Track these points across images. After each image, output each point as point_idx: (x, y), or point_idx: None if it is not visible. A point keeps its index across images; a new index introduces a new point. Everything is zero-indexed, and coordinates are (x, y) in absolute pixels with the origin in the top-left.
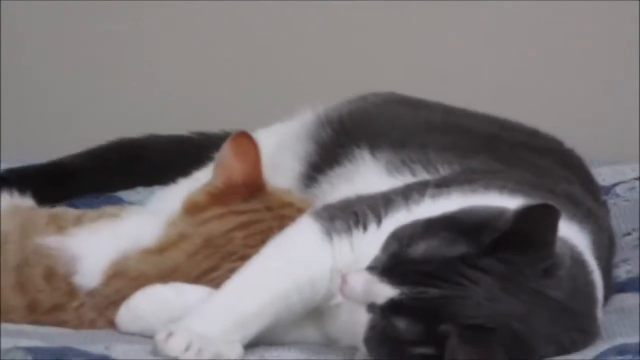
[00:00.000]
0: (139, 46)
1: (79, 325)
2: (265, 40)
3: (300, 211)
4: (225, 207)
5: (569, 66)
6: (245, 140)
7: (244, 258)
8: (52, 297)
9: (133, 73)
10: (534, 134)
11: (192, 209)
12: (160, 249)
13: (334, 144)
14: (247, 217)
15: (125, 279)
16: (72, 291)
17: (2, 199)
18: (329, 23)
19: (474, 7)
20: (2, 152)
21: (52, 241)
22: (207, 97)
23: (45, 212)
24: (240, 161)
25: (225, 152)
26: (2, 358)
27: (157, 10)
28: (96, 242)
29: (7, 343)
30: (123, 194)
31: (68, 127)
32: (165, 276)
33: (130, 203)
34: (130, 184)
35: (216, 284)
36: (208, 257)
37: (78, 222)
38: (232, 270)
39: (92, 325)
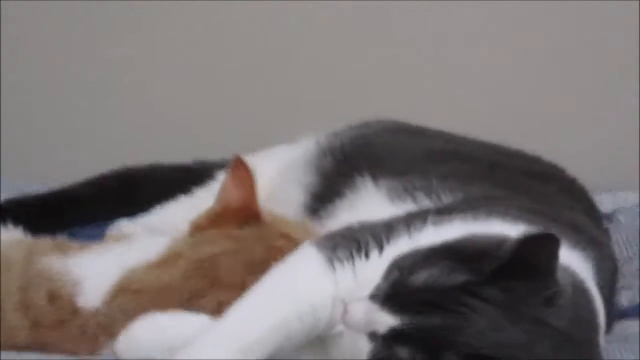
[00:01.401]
0: (139, 72)
1: (81, 340)
2: (266, 65)
3: (297, 243)
4: (219, 230)
5: (569, 93)
6: (242, 168)
7: (229, 288)
8: (55, 315)
9: (132, 100)
10: (536, 161)
11: (194, 230)
12: (160, 264)
13: (336, 173)
14: (235, 244)
15: (127, 293)
16: (75, 311)
17: (4, 233)
18: (330, 46)
19: (475, 38)
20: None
21: (56, 264)
22: (208, 125)
23: (50, 241)
24: (236, 188)
25: (227, 177)
26: None
27: (160, 36)
28: (101, 263)
29: None
30: (124, 223)
31: (67, 155)
32: (162, 292)
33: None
34: (132, 213)
35: (203, 310)
36: (197, 280)
37: (82, 249)
38: (218, 301)
39: (94, 340)
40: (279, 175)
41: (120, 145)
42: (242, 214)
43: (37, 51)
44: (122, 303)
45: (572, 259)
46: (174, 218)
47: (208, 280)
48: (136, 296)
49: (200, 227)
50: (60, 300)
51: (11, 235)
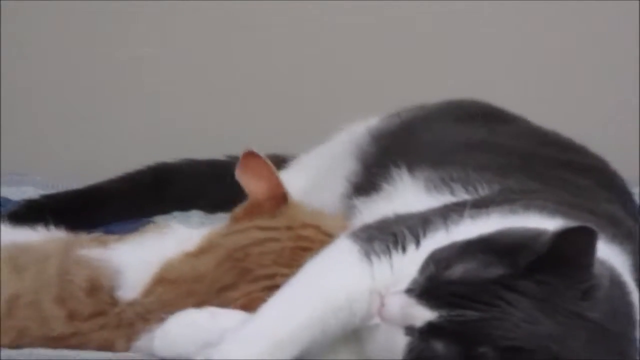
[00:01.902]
0: (170, 70)
1: (117, 329)
2: (297, 59)
3: (325, 234)
4: (251, 221)
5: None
6: (251, 159)
7: (258, 279)
8: (93, 306)
9: (160, 97)
10: (579, 151)
11: (233, 220)
12: (198, 253)
13: (377, 163)
14: (264, 234)
15: (165, 283)
16: (113, 301)
17: (47, 229)
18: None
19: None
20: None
21: (95, 252)
22: (239, 120)
23: (87, 235)
24: (254, 179)
25: (239, 176)
26: None
27: (184, 33)
28: (140, 253)
29: None
30: (159, 219)
31: (98, 151)
32: (197, 281)
33: None
34: (166, 209)
35: (233, 305)
36: (228, 271)
37: (121, 239)
38: (248, 294)
39: (130, 329)
40: (320, 167)
41: (152, 143)
42: (272, 201)
43: (43, 52)
44: (160, 293)
45: (609, 253)
46: None
47: (238, 272)
48: (173, 286)
49: (237, 218)
50: (99, 291)
51: (51, 233)
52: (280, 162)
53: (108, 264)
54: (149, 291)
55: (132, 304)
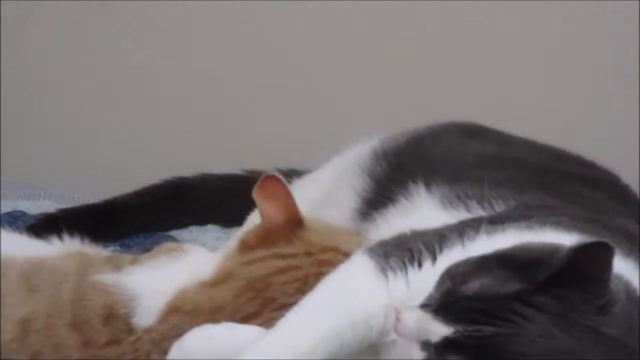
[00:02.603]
0: (187, 83)
1: (134, 356)
2: (313, 73)
3: (345, 254)
4: (268, 249)
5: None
6: (270, 182)
7: (283, 307)
8: (109, 334)
9: (176, 110)
10: (590, 166)
11: (243, 246)
12: (214, 283)
13: (389, 179)
14: (286, 262)
15: (181, 313)
16: (129, 329)
17: (60, 242)
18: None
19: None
20: (48, 190)
21: (109, 278)
22: (253, 135)
23: (102, 253)
24: (271, 204)
25: (256, 199)
26: None
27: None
28: (155, 279)
29: None
30: (176, 233)
31: (114, 165)
32: (216, 312)
33: (183, 241)
34: (183, 223)
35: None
36: (250, 301)
37: (135, 261)
38: (272, 321)
39: (147, 356)
40: (332, 182)
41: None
42: (287, 226)
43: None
44: (176, 322)
45: (624, 268)
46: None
47: (261, 302)
48: (190, 316)
49: (249, 246)
50: (115, 318)
51: (65, 246)
52: (296, 176)
53: (123, 291)
54: (163, 319)
55: (148, 331)
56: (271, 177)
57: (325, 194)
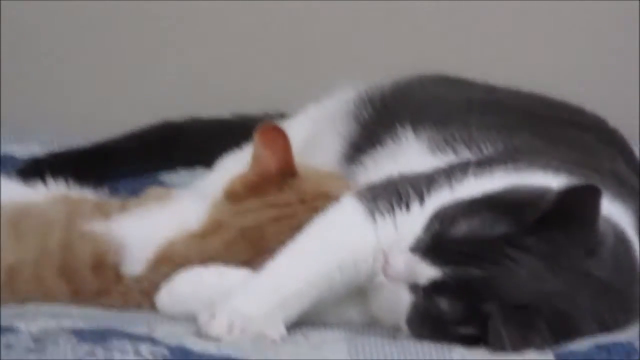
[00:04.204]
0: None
1: (124, 308)
2: (300, 18)
3: (337, 199)
4: (260, 199)
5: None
6: (273, 132)
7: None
8: (97, 284)
9: (165, 55)
10: (577, 111)
11: (231, 197)
12: (203, 234)
13: (376, 123)
14: (279, 211)
15: (171, 264)
16: (118, 278)
17: (49, 187)
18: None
19: None
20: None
21: (98, 227)
22: (243, 79)
23: (90, 199)
24: (270, 152)
25: (255, 145)
26: (46, 339)
27: None
28: (143, 228)
29: (51, 324)
30: (164, 176)
31: (102, 110)
32: (207, 263)
33: (171, 184)
34: (171, 166)
35: None
36: (243, 250)
37: (123, 208)
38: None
39: (137, 307)
40: (316, 127)
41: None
42: (280, 176)
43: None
44: (166, 271)
45: (613, 210)
46: (225, 178)
47: (254, 250)
48: (180, 266)
49: (238, 195)
50: (103, 267)
51: (52, 191)
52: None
53: (112, 239)
54: (153, 268)
55: (137, 280)
56: (273, 127)
57: (307, 139)
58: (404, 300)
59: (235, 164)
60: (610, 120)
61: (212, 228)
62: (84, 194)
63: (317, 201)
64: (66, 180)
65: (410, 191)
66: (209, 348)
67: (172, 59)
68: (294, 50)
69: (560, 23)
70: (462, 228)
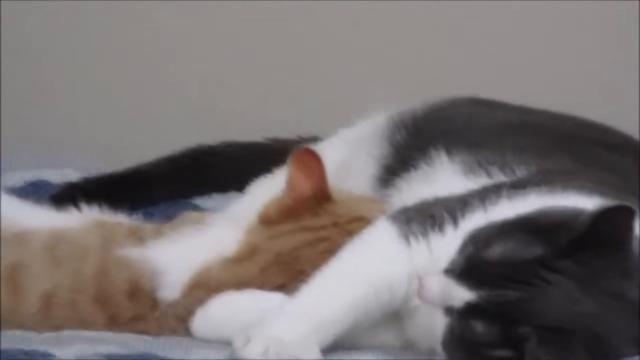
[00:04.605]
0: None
1: (159, 333)
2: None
3: (371, 223)
4: (295, 223)
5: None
6: (308, 156)
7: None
8: (133, 311)
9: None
10: (608, 131)
11: (265, 221)
12: (238, 259)
13: (410, 147)
14: (314, 235)
15: (206, 289)
16: (154, 304)
17: (83, 212)
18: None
19: None
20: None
21: (133, 253)
22: (275, 103)
23: (125, 224)
24: (305, 177)
25: (290, 169)
26: None
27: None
28: (178, 253)
29: (87, 351)
30: (198, 201)
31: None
32: (241, 288)
33: (205, 209)
34: (205, 191)
35: None
36: (278, 274)
37: (158, 233)
38: None
39: (172, 332)
40: (349, 150)
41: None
42: (315, 201)
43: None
44: (201, 296)
45: None
46: (256, 203)
47: (289, 274)
48: (214, 292)
49: (272, 219)
50: (139, 294)
51: (87, 216)
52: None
53: (147, 264)
54: (188, 294)
55: (172, 305)
56: (308, 151)
57: (340, 163)
58: (439, 323)
59: (266, 189)
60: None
61: (247, 253)
62: (119, 219)
63: (351, 225)
64: (100, 206)
65: (444, 214)
66: None
67: (207, 83)
68: (323, 73)
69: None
70: (496, 251)
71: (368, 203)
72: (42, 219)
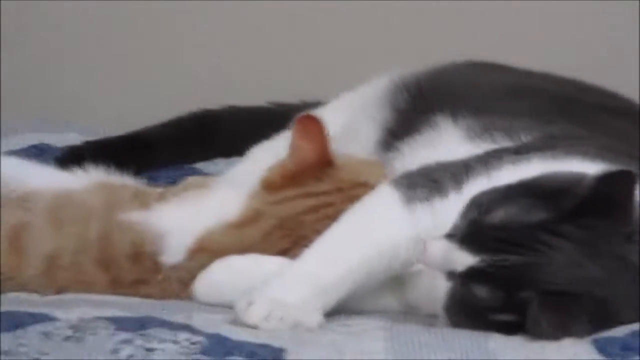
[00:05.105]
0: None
1: (162, 297)
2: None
3: (374, 188)
4: (298, 188)
5: None
6: (310, 122)
7: None
8: (136, 274)
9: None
10: (612, 96)
11: (268, 186)
12: (241, 224)
13: (413, 110)
14: (317, 200)
15: (209, 253)
16: (157, 268)
17: (88, 173)
18: None
19: None
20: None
21: (136, 217)
22: (278, 67)
23: (129, 188)
24: (308, 143)
25: (293, 135)
26: (85, 328)
27: None
28: (182, 217)
29: (90, 313)
30: (201, 165)
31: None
32: (244, 252)
33: (209, 174)
34: (209, 156)
35: None
36: (281, 239)
37: (162, 197)
38: None
39: (175, 296)
40: (351, 114)
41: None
42: (318, 166)
43: None
44: (204, 261)
45: None
46: (257, 169)
47: (293, 239)
48: (217, 256)
49: (275, 185)
50: (142, 257)
51: (92, 178)
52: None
53: (151, 228)
54: (191, 258)
55: (174, 269)
56: (311, 117)
57: (342, 127)
58: (442, 287)
59: (266, 154)
60: None
61: (250, 217)
62: (124, 181)
63: (355, 190)
64: (106, 167)
65: (448, 179)
66: (247, 336)
67: (209, 48)
68: (328, 38)
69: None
70: (499, 215)
71: (371, 168)
72: (46, 179)
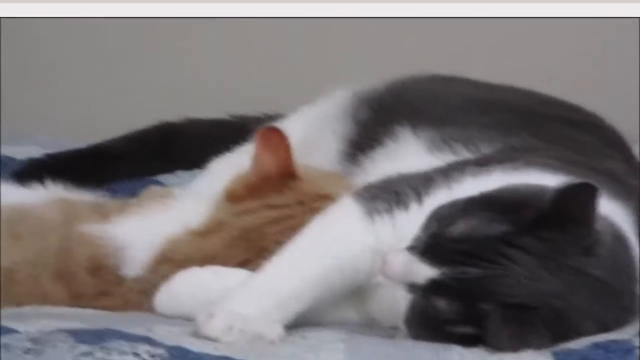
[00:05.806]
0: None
1: (124, 309)
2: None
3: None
4: (260, 200)
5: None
6: (274, 134)
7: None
8: (96, 287)
9: (162, 58)
10: (575, 109)
11: (231, 197)
12: (204, 233)
13: (374, 123)
14: (279, 212)
15: (172, 263)
16: (118, 280)
17: (46, 189)
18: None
19: None
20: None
21: (96, 230)
22: (240, 80)
23: (88, 202)
24: (270, 154)
25: (256, 146)
26: (44, 340)
27: None
28: (143, 228)
29: (49, 325)
30: (162, 178)
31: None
32: (206, 262)
33: (170, 186)
34: (170, 168)
35: None
36: (242, 250)
37: (122, 209)
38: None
39: (137, 308)
40: (311, 127)
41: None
42: (280, 178)
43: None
44: (166, 272)
45: (611, 209)
46: (218, 181)
47: (254, 251)
48: (180, 267)
49: (237, 196)
50: (102, 270)
51: (50, 193)
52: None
53: (111, 241)
54: (153, 269)
55: (137, 281)
56: (274, 129)
57: (303, 140)
58: (402, 300)
59: (226, 166)
60: (610, 120)
61: (212, 227)
62: (82, 196)
63: (316, 202)
64: (64, 183)
65: (409, 191)
66: (207, 349)
67: (169, 62)
68: (288, 52)
69: (559, 22)
70: (459, 228)
71: (333, 180)
72: (4, 195)
